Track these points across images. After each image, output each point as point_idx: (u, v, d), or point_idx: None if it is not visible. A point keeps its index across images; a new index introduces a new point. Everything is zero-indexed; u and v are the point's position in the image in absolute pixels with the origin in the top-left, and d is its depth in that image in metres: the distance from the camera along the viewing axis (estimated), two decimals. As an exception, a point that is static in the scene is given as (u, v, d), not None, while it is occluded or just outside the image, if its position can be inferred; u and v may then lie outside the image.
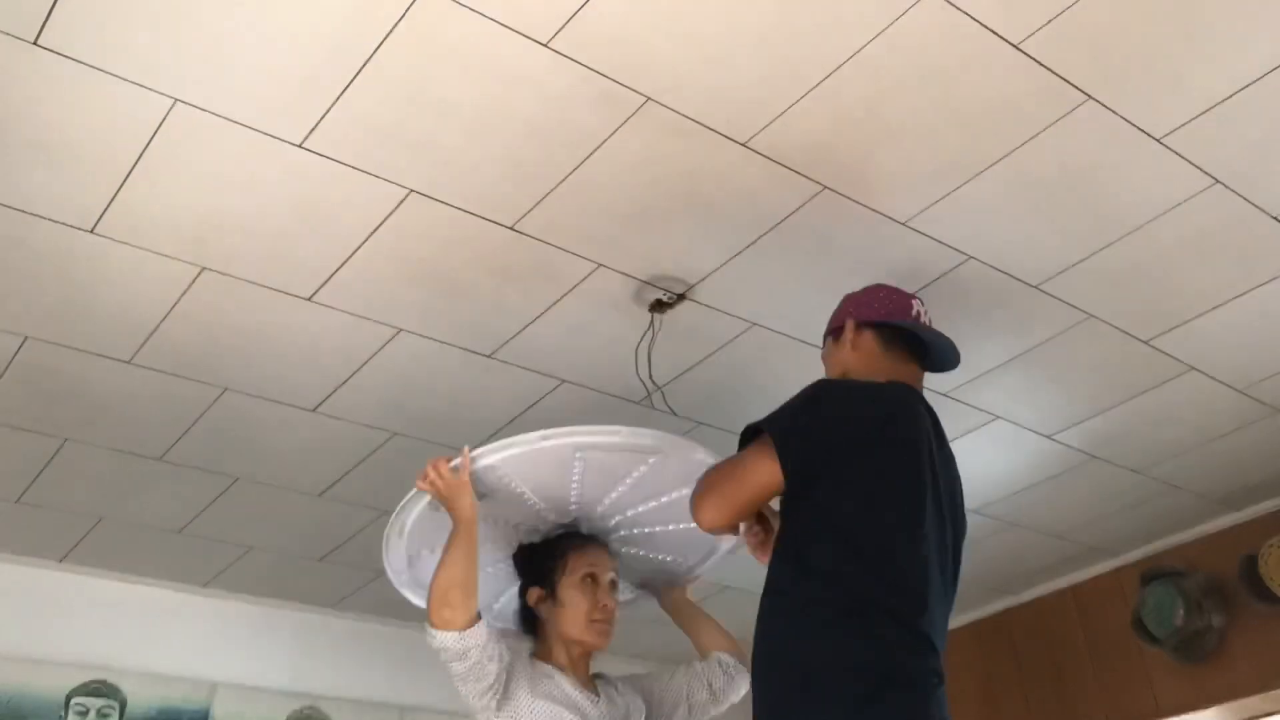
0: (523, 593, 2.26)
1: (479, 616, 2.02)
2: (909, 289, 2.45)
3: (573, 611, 2.18)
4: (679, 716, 2.30)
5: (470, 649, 2.00)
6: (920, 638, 1.83)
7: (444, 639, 2.01)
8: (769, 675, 1.86)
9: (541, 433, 2.09)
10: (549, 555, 2.25)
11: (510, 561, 2.34)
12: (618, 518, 2.32)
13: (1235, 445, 3.17)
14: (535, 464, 2.15)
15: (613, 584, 2.24)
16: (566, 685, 2.13)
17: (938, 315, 2.51)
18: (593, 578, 2.21)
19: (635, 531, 2.37)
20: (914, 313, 2.13)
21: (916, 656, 1.81)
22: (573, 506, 2.27)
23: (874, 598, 1.81)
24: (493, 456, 2.13)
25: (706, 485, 1.97)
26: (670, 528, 2.35)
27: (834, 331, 2.17)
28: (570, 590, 2.20)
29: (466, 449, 2.15)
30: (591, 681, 2.22)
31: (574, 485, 2.20)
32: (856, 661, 1.77)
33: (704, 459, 2.15)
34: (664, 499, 2.27)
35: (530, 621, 2.25)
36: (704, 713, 2.32)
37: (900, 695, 1.77)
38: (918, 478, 1.90)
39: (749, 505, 1.96)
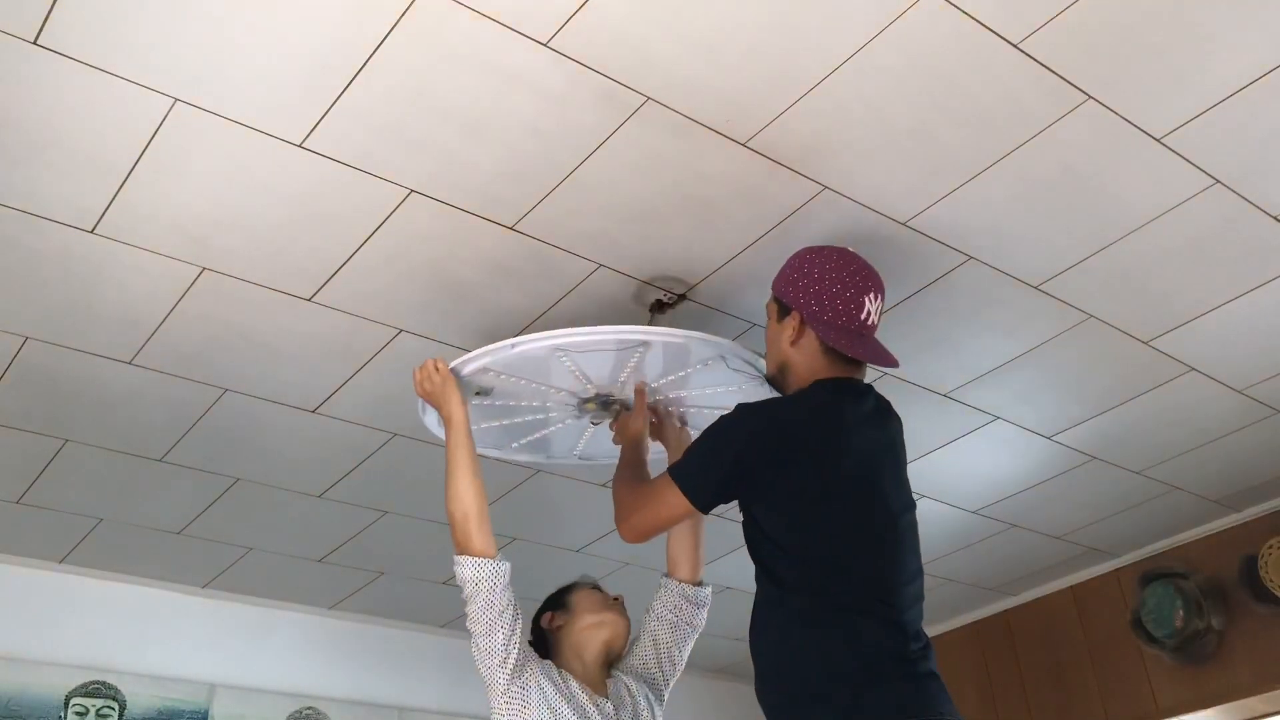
0: (535, 627, 2.34)
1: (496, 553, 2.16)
2: (909, 289, 2.46)
3: (585, 604, 2.29)
4: (674, 666, 2.36)
5: (496, 574, 2.12)
6: (895, 628, 1.88)
7: (466, 565, 2.12)
8: (767, 689, 1.95)
9: (512, 340, 2.22)
10: (558, 593, 2.39)
11: (575, 405, 2.46)
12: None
13: (1235, 445, 3.17)
14: (525, 365, 2.28)
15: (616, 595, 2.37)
16: (575, 686, 2.16)
17: (938, 315, 2.52)
18: (588, 589, 2.35)
19: (665, 397, 2.48)
20: (864, 315, 2.07)
21: (896, 648, 1.86)
22: (589, 387, 2.38)
23: (840, 602, 1.89)
24: (473, 364, 2.26)
25: (623, 509, 2.16)
26: (696, 392, 2.46)
27: (781, 305, 2.13)
28: (578, 596, 2.33)
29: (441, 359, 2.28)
30: (604, 686, 2.24)
31: (575, 374, 2.32)
32: (839, 666, 1.84)
33: (685, 342, 2.24)
34: (674, 376, 2.38)
35: (544, 647, 2.31)
36: (686, 643, 2.39)
37: (884, 691, 1.82)
38: (850, 478, 1.97)
39: (664, 529, 2.17)
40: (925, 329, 2.60)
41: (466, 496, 2.15)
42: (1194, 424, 3.06)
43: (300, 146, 2.01)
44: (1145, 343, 2.70)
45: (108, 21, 1.74)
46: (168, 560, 3.43)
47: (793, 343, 2.09)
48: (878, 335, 2.14)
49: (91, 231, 2.17)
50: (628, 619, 2.30)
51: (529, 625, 2.26)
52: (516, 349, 2.21)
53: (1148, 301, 2.56)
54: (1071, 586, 4.05)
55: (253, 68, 1.85)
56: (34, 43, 1.77)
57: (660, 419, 2.49)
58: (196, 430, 2.79)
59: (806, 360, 2.08)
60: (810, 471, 1.95)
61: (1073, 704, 3.93)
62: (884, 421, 2.11)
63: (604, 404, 2.44)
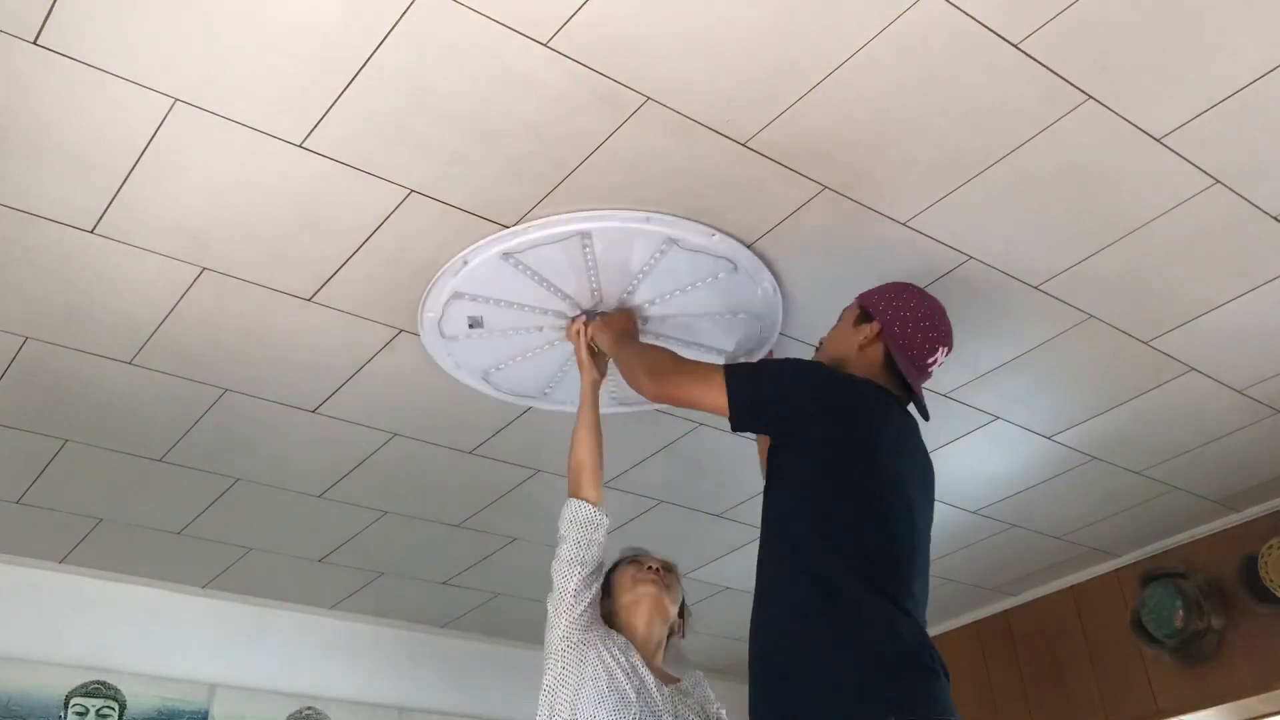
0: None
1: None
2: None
3: (622, 583, 2.31)
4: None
5: (595, 522, 2.21)
6: (910, 616, 1.90)
7: (570, 505, 2.22)
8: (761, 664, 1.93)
9: (462, 255, 2.26)
10: (607, 575, 2.37)
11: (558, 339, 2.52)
12: (641, 304, 2.46)
13: (1235, 445, 3.17)
14: (494, 284, 2.34)
15: (660, 568, 2.35)
16: (638, 662, 2.16)
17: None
18: (635, 562, 2.35)
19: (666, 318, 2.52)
20: (932, 360, 2.21)
21: (918, 637, 1.88)
22: (567, 301, 2.42)
23: (854, 570, 1.89)
24: (440, 293, 2.33)
25: (661, 370, 2.20)
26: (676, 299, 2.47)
27: (864, 313, 2.23)
28: (617, 575, 2.34)
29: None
30: (666, 673, 2.25)
31: (546, 286, 2.36)
32: (846, 645, 1.83)
33: (623, 225, 2.22)
34: (639, 276, 2.38)
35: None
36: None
37: (909, 683, 1.82)
38: (881, 464, 2.01)
39: (685, 405, 2.21)
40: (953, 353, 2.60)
41: (582, 450, 2.29)
42: (1194, 424, 3.06)
43: (300, 146, 2.01)
44: (1145, 343, 2.70)
45: (108, 21, 1.74)
46: (168, 560, 3.43)
47: (860, 348, 2.20)
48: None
49: (91, 231, 2.17)
50: (664, 584, 2.30)
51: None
52: (469, 263, 2.26)
53: (1148, 301, 2.56)
54: (1071, 586, 4.05)
55: (253, 68, 1.85)
56: (34, 43, 1.77)
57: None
58: (196, 430, 2.79)
59: (864, 368, 2.18)
60: (848, 437, 2.01)
61: (1073, 704, 3.93)
62: (919, 447, 2.17)
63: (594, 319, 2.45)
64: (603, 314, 2.44)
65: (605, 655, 2.12)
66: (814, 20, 1.81)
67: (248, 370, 2.60)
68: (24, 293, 2.32)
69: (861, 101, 1.98)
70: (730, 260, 2.34)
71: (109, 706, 3.33)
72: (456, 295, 2.35)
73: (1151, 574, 3.69)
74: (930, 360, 2.21)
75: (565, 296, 2.39)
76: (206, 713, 3.47)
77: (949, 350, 2.25)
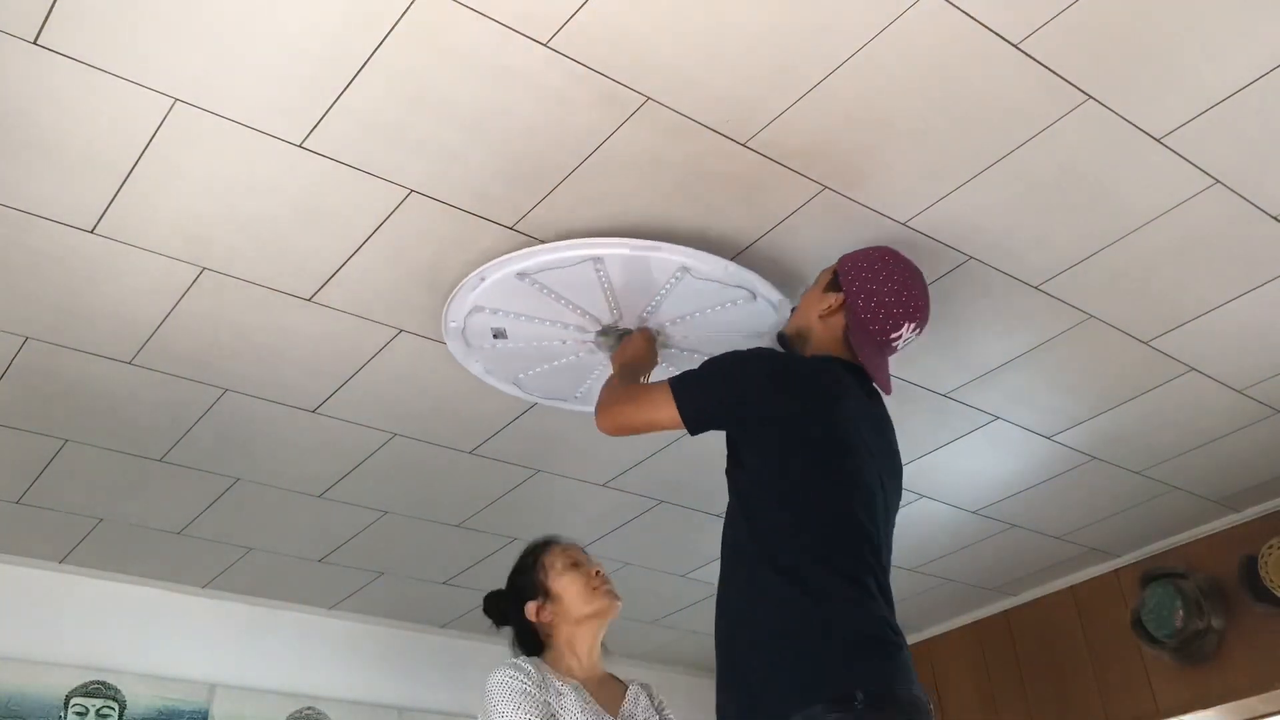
0: (518, 619, 2.28)
1: None
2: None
3: (573, 591, 2.22)
4: None
5: (526, 689, 2.08)
6: (876, 597, 1.89)
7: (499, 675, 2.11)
8: (736, 651, 1.91)
9: (479, 271, 2.25)
10: (523, 570, 2.31)
11: (591, 342, 2.46)
12: (661, 324, 2.44)
13: (1235, 445, 3.17)
14: (513, 298, 2.32)
15: (596, 567, 2.29)
16: (587, 699, 2.10)
17: (938, 315, 2.52)
18: (574, 563, 2.27)
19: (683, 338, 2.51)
20: (895, 335, 2.16)
21: (884, 618, 1.87)
22: (589, 318, 2.40)
23: (815, 556, 1.89)
24: (461, 307, 2.32)
25: (609, 399, 2.18)
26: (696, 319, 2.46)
27: (833, 284, 2.21)
28: (560, 579, 2.24)
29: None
30: (610, 685, 2.22)
31: (563, 303, 2.34)
32: (822, 629, 1.83)
33: (632, 253, 2.21)
34: (655, 300, 2.37)
35: (533, 639, 2.26)
36: None
37: (873, 662, 1.81)
38: (839, 442, 2.00)
39: (641, 431, 2.19)
40: (925, 328, 2.60)
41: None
42: (1194, 424, 3.06)
43: (300, 146, 2.01)
44: (1145, 343, 2.70)
45: (108, 21, 1.74)
46: (168, 560, 3.43)
47: (821, 317, 2.19)
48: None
49: (91, 231, 2.17)
50: (617, 592, 2.26)
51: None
52: (486, 280, 2.26)
53: (1148, 301, 2.56)
54: (1071, 586, 4.05)
55: (253, 68, 1.85)
56: (34, 43, 1.77)
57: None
58: (196, 430, 2.79)
59: (826, 338, 2.18)
60: (804, 419, 2.00)
61: (1073, 704, 3.93)
62: (880, 417, 2.16)
63: (619, 339, 2.44)
64: (625, 334, 2.42)
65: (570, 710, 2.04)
66: (814, 20, 1.81)
67: (248, 370, 2.60)
68: (24, 293, 2.32)
69: (861, 101, 1.98)
70: (749, 290, 2.34)
71: (109, 706, 3.33)
72: (477, 309, 2.34)
73: (1151, 574, 3.69)
74: (894, 335, 2.16)
75: (585, 313, 2.38)
76: (206, 713, 3.47)
77: (918, 327, 2.20)
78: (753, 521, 1.97)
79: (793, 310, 2.34)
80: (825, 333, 2.18)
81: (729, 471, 2.08)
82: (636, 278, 2.29)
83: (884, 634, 1.85)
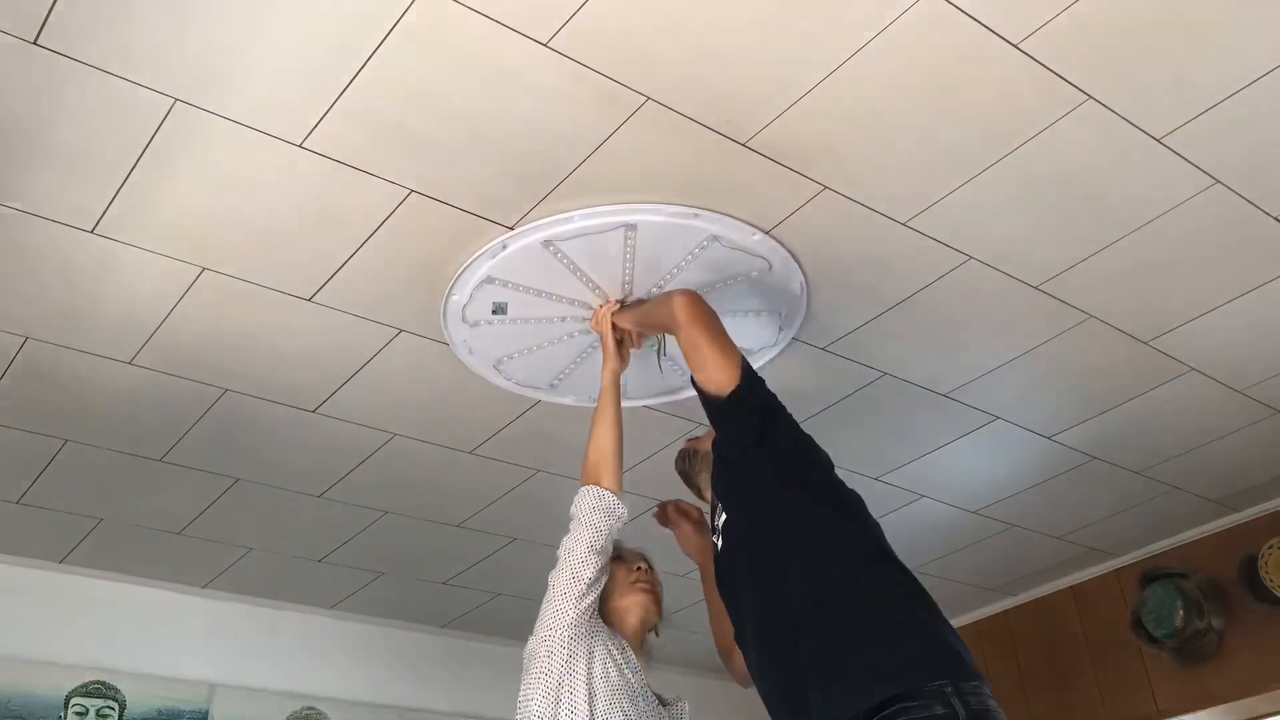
0: None
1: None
2: (909, 289, 2.46)
3: (614, 584, 2.26)
4: None
5: (617, 513, 2.16)
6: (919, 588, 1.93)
7: (588, 493, 2.17)
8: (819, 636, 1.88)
9: (502, 239, 2.25)
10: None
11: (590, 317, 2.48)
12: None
13: (1235, 445, 3.17)
14: (528, 270, 2.32)
15: (650, 568, 2.34)
16: (634, 663, 2.16)
17: (938, 315, 2.53)
18: (621, 558, 2.31)
19: None
20: None
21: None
22: (598, 292, 2.41)
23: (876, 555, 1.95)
24: (474, 277, 2.31)
25: (705, 315, 2.16)
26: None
27: None
28: (615, 564, 2.28)
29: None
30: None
31: (579, 276, 2.35)
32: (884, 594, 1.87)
33: (667, 220, 2.22)
34: (674, 269, 2.37)
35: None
36: None
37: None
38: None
39: (695, 348, 2.13)
40: (925, 329, 2.60)
41: (604, 438, 2.25)
42: (1194, 424, 3.06)
43: (300, 146, 2.01)
44: (1145, 343, 2.70)
45: (108, 21, 1.74)
46: (168, 560, 3.43)
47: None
48: None
49: (91, 231, 2.17)
50: (656, 592, 2.30)
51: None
52: (508, 248, 2.25)
53: (1148, 301, 2.56)
54: (1071, 586, 4.05)
55: (253, 68, 1.85)
56: (34, 43, 1.77)
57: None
58: (196, 430, 2.79)
59: None
60: (811, 452, 2.13)
61: (1073, 704, 3.93)
62: None
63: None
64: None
65: (614, 651, 2.10)
66: (814, 20, 1.81)
67: (248, 370, 2.60)
68: (24, 293, 2.32)
69: (861, 101, 1.98)
70: (766, 260, 2.35)
71: (109, 706, 3.33)
72: (488, 280, 2.34)
73: (1151, 574, 3.69)
74: None
75: (596, 287, 2.39)
76: (206, 713, 3.47)
77: None
78: (810, 557, 1.94)
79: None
80: None
81: (750, 515, 2.07)
82: (657, 248, 2.30)
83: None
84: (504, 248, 2.26)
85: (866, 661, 1.77)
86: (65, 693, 3.28)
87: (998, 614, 4.25)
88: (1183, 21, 1.85)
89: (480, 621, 3.99)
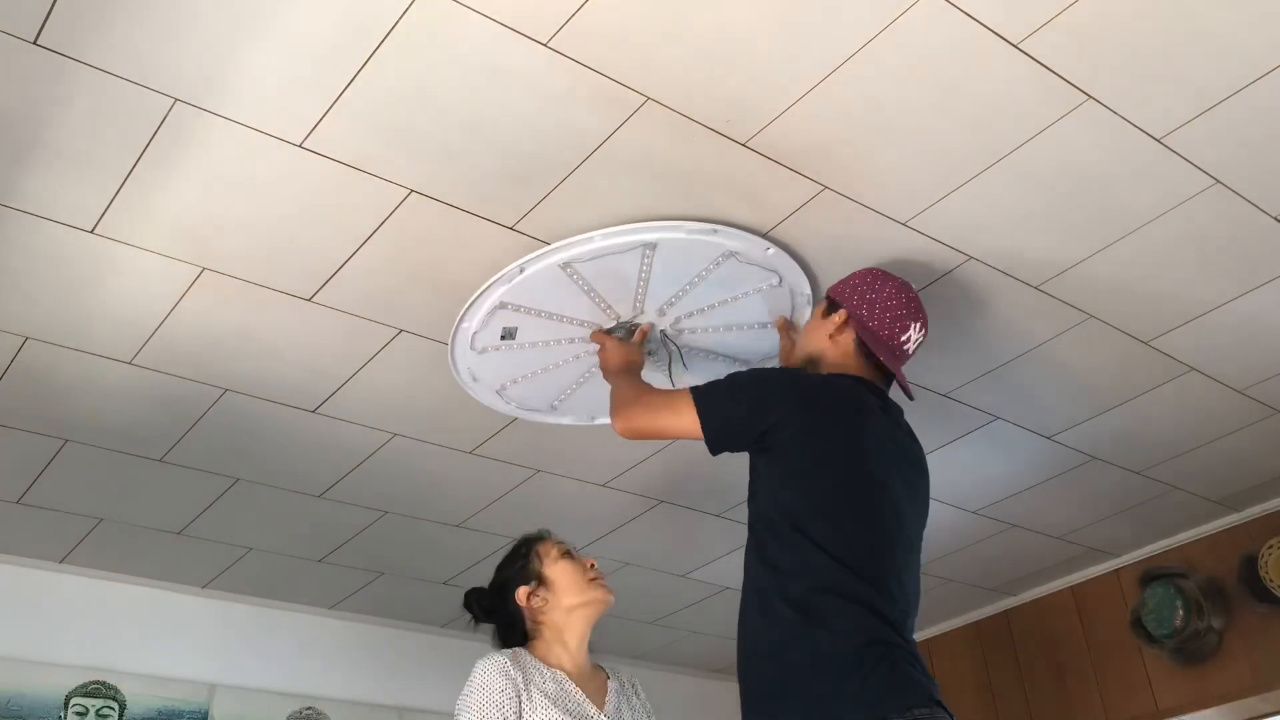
0: (505, 606, 2.27)
1: None
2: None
3: (567, 580, 2.23)
4: None
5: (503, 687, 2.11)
6: (887, 620, 1.88)
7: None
8: (759, 672, 1.93)
9: (519, 262, 2.24)
10: (516, 558, 2.32)
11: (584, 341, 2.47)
12: (678, 316, 2.45)
13: (1235, 445, 3.17)
14: (541, 293, 2.32)
15: (590, 560, 2.32)
16: (573, 689, 2.13)
17: (938, 315, 2.52)
18: (568, 553, 2.29)
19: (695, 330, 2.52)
20: (905, 338, 2.20)
21: (886, 637, 1.86)
22: (610, 313, 2.42)
23: (837, 582, 1.89)
24: (487, 302, 2.30)
25: (627, 403, 2.18)
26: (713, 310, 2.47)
27: (831, 303, 2.24)
28: (555, 566, 2.26)
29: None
30: (595, 677, 2.23)
31: (592, 297, 2.36)
32: (816, 650, 1.83)
33: (688, 238, 2.21)
34: (688, 283, 2.37)
35: (518, 630, 2.26)
36: None
37: (881, 678, 1.82)
38: (861, 464, 2.00)
39: (659, 437, 2.23)
40: (928, 331, 2.60)
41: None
42: (1194, 424, 3.06)
43: (300, 146, 2.01)
44: (1145, 343, 2.70)
45: (108, 21, 1.74)
46: (168, 560, 3.43)
47: (831, 336, 2.20)
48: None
49: (91, 231, 2.17)
50: (608, 585, 2.28)
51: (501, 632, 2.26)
52: (525, 271, 2.24)
53: (1148, 301, 2.56)
54: (1071, 586, 4.05)
55: (253, 68, 1.85)
56: (34, 43, 1.77)
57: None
58: (196, 430, 2.79)
59: (838, 357, 2.19)
60: (826, 440, 2.01)
61: (1073, 704, 3.93)
62: (902, 433, 2.17)
63: (629, 333, 2.45)
64: (618, 339, 2.43)
65: (548, 692, 2.06)
66: (814, 20, 1.81)
67: (248, 370, 2.60)
68: (24, 293, 2.32)
69: (861, 101, 1.98)
70: (777, 273, 2.36)
71: (109, 706, 3.33)
72: (501, 305, 2.33)
73: (1151, 574, 3.69)
74: (904, 339, 2.19)
75: (608, 308, 2.39)
76: (206, 713, 3.47)
77: (924, 327, 2.24)
78: (768, 546, 1.97)
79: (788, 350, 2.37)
80: (837, 351, 2.19)
81: (751, 493, 2.09)
82: (674, 266, 2.30)
83: (896, 657, 1.86)
84: (521, 271, 2.25)
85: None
86: (65, 693, 3.28)
87: (998, 614, 4.24)
88: (1183, 21, 1.85)
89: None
